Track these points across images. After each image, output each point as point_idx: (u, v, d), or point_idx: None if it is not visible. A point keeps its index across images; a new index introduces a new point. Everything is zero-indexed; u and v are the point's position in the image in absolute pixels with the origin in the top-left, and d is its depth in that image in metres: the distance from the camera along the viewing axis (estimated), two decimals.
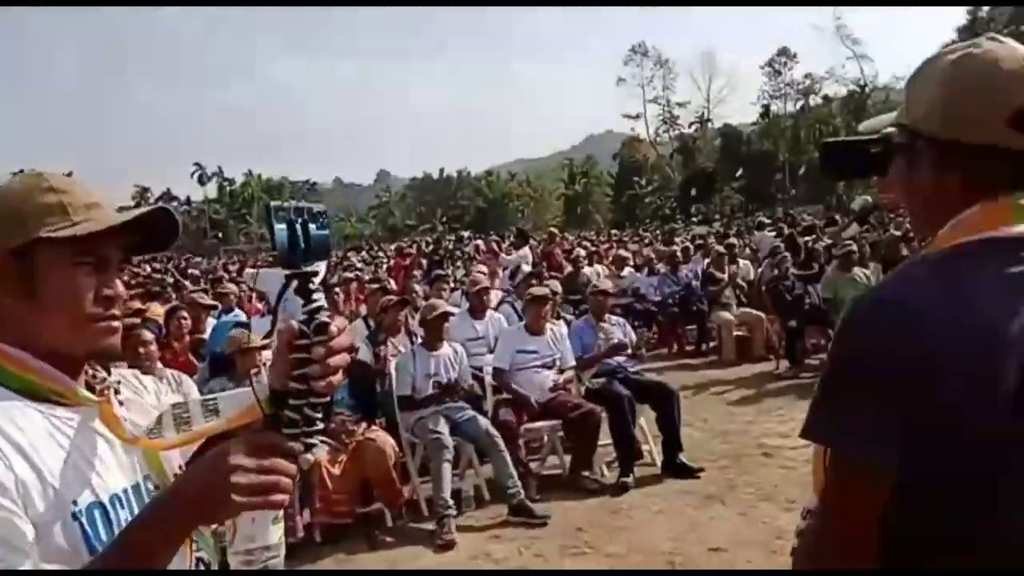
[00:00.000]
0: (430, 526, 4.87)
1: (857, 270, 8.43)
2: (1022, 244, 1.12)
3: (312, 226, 1.13)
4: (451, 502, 4.83)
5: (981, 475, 1.07)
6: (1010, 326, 1.06)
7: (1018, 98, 1.11)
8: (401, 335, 6.31)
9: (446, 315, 5.66)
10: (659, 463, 5.67)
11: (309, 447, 1.06)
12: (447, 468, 4.93)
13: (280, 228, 1.10)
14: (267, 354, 5.38)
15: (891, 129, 1.41)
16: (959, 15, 49.30)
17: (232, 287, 8.87)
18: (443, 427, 5.11)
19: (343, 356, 1.11)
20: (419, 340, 5.84)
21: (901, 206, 1.55)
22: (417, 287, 9.20)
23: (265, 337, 5.64)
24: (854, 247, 8.81)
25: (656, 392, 5.91)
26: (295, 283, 1.12)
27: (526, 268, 9.40)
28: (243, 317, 7.72)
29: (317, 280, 1.13)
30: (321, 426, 1.10)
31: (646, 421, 5.88)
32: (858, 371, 1.10)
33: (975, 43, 1.18)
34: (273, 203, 1.10)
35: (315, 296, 1.11)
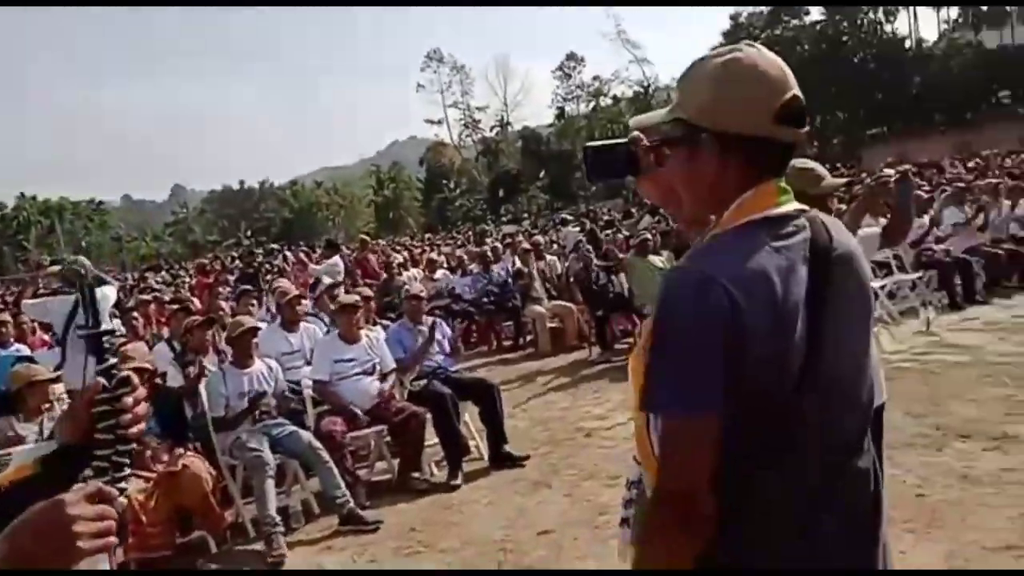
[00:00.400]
0: (259, 547, 4.69)
1: (652, 257, 9.00)
2: (786, 220, 1.30)
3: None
4: (278, 519, 4.68)
5: (769, 443, 1.23)
6: (788, 303, 1.22)
7: (777, 99, 1.28)
8: (210, 355, 6.02)
9: (253, 331, 5.46)
10: (486, 456, 5.79)
11: (122, 491, 1.13)
12: (270, 485, 4.76)
13: (79, 292, 1.23)
14: (59, 387, 4.97)
15: (636, 133, 1.56)
16: (724, 21, 53.90)
17: (8, 319, 8.01)
18: (262, 445, 4.93)
19: (145, 404, 1.23)
20: (228, 359, 5.60)
21: (659, 201, 1.70)
22: (224, 304, 8.80)
23: (56, 369, 5.21)
24: (648, 236, 9.41)
25: (477, 388, 6.02)
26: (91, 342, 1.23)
27: (327, 280, 9.23)
28: (26, 351, 7.03)
29: (110, 338, 1.25)
30: (128, 471, 1.18)
31: (470, 417, 5.97)
32: (679, 344, 1.21)
33: (737, 48, 1.34)
34: (92, 274, 1.25)
35: (107, 355, 1.23)
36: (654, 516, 1.26)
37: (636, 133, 1.64)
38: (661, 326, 1.24)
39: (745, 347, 1.18)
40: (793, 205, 1.32)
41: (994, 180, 11.38)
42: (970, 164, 20.66)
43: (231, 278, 13.98)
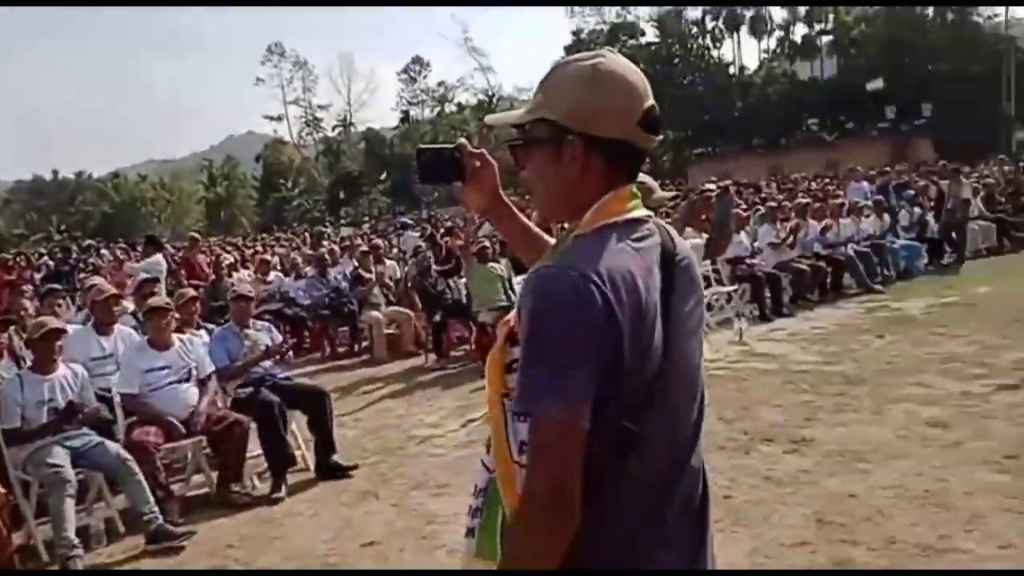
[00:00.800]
0: (54, 570, 4.30)
1: (491, 264, 9.09)
2: (640, 225, 1.34)
3: None
4: (76, 541, 4.29)
5: (627, 439, 1.25)
6: (650, 304, 1.26)
7: (641, 105, 1.32)
8: (5, 360, 5.47)
9: (57, 332, 4.98)
10: (312, 467, 5.61)
11: None
12: (70, 504, 4.36)
13: None
14: None
15: (462, 140, 1.56)
16: (565, 36, 55.83)
17: None
18: (62, 459, 4.52)
19: None
20: (28, 364, 5.11)
21: (479, 211, 1.70)
22: (28, 303, 8.05)
23: None
24: (487, 243, 9.51)
25: (307, 396, 5.82)
26: None
27: (143, 276, 8.67)
28: None
29: None
30: None
31: (298, 426, 5.77)
32: (557, 341, 1.20)
33: (600, 54, 1.36)
34: None
35: None
36: (528, 518, 1.22)
37: (462, 140, 1.65)
38: (538, 323, 1.21)
39: (616, 345, 1.20)
40: (643, 211, 1.36)
41: (803, 201, 12.37)
42: (783, 185, 22.37)
43: (38, 276, 12.82)
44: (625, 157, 1.35)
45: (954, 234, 12.76)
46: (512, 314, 1.37)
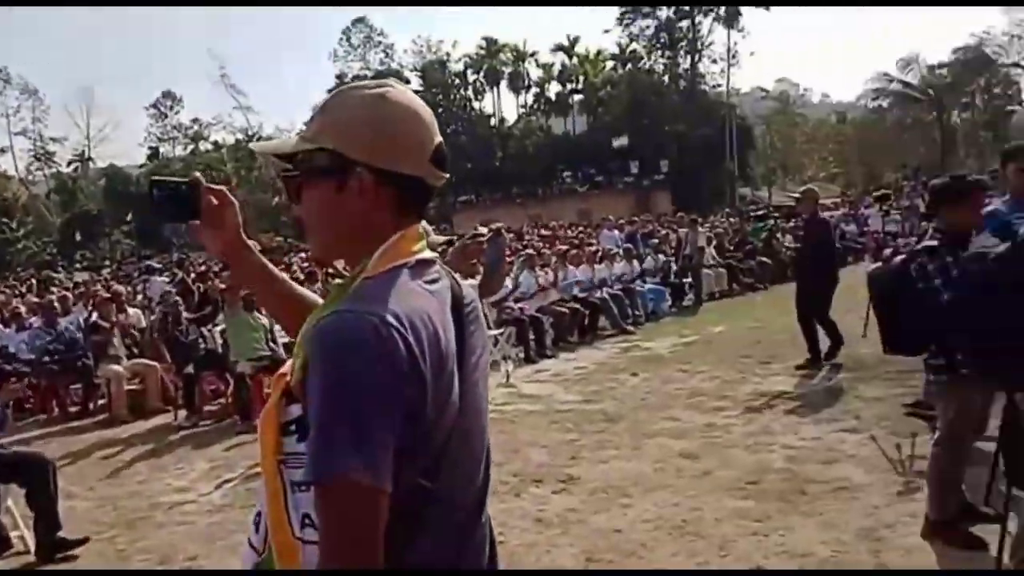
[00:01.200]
0: None
1: (255, 313, 8.53)
2: (429, 266, 1.25)
3: None
4: None
5: (428, 496, 1.14)
6: (448, 351, 1.16)
7: (432, 140, 1.24)
8: None
9: None
10: (33, 548, 4.84)
11: None
12: None
13: None
14: None
15: (196, 174, 1.40)
16: (329, 80, 55.52)
17: None
18: None
19: None
20: None
21: (216, 253, 1.51)
22: None
23: None
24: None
25: (25, 466, 5.02)
26: None
27: None
28: None
29: None
30: None
31: (14, 502, 4.96)
32: (359, 396, 1.04)
33: (387, 83, 1.27)
34: None
35: None
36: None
37: (196, 174, 1.48)
38: (334, 374, 1.04)
39: (419, 396, 1.08)
40: (431, 252, 1.27)
41: (563, 248, 13.02)
42: (543, 233, 23.51)
43: None
44: (417, 193, 1.25)
45: (690, 278, 14.05)
46: (288, 366, 1.20)
